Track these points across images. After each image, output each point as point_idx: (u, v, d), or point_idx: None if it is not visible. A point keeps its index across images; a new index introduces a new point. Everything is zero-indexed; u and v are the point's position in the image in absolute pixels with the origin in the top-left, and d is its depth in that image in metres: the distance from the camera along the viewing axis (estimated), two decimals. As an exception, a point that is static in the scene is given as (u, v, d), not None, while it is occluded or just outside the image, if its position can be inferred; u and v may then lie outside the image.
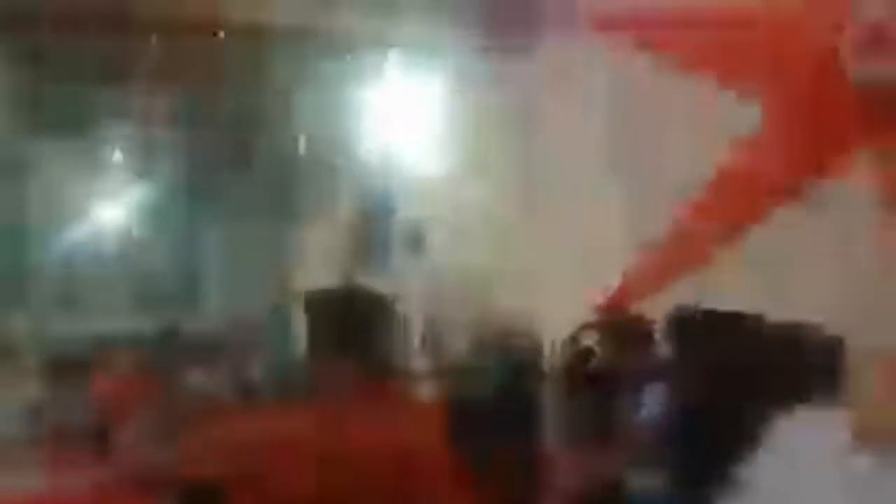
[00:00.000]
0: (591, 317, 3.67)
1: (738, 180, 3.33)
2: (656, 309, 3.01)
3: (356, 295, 1.84)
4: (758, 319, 1.42)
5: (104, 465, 2.51)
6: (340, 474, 1.53)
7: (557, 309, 4.24)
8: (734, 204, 3.36)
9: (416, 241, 5.52)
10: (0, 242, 9.75)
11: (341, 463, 1.54)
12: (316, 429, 1.58)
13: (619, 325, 3.11)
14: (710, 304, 1.53)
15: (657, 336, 2.86)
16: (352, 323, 1.72)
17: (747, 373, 1.34)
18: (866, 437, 1.25)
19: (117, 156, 9.46)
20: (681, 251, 3.53)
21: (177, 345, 4.88)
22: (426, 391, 3.65)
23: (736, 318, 1.42)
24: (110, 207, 10.00)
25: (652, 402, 2.58)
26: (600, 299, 3.76)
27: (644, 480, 2.59)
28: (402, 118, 6.28)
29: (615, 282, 3.85)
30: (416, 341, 4.45)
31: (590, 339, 3.58)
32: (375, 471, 1.57)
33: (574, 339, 3.78)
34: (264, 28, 6.10)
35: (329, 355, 1.72)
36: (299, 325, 2.00)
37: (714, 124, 3.46)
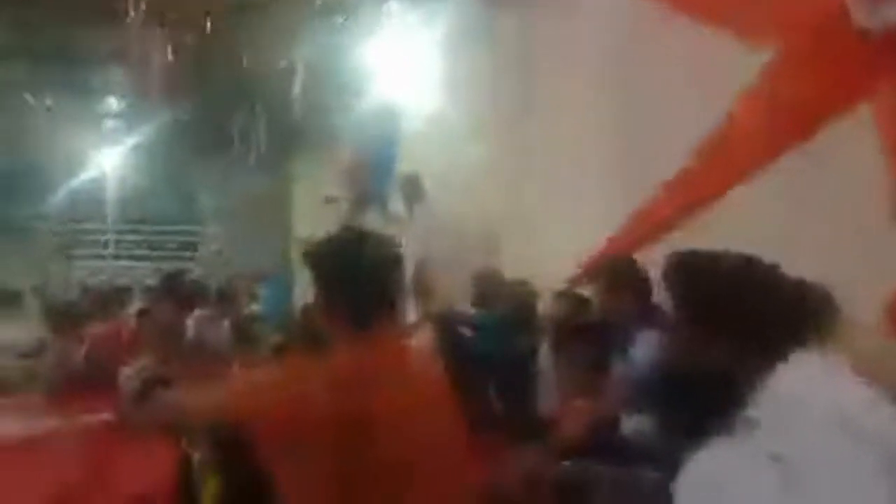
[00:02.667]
0: (587, 265, 3.68)
1: (742, 130, 3.28)
2: (652, 257, 3.02)
3: (368, 239, 1.78)
4: (752, 262, 1.40)
5: (107, 409, 2.55)
6: (355, 433, 1.53)
7: (556, 261, 4.24)
8: (737, 154, 3.32)
9: (413, 191, 5.49)
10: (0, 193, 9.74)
11: (356, 423, 1.53)
12: (331, 387, 1.56)
13: (614, 270, 3.11)
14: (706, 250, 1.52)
15: (653, 281, 2.87)
16: (365, 267, 1.69)
17: (746, 318, 1.34)
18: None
19: (115, 103, 9.37)
20: (680, 200, 3.51)
21: (179, 292, 4.89)
22: (420, 339, 3.67)
23: (736, 262, 1.40)
24: (109, 156, 9.96)
25: (647, 348, 2.61)
26: (598, 247, 3.75)
27: (639, 426, 2.63)
28: (402, 67, 6.20)
29: (613, 232, 3.84)
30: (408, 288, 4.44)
31: (585, 289, 3.59)
32: (390, 430, 1.56)
33: (569, 288, 3.79)
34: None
35: (340, 302, 1.70)
36: (303, 274, 1.98)
37: (719, 76, 3.40)
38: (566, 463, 2.50)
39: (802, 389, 1.23)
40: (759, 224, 3.08)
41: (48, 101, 8.90)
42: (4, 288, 7.02)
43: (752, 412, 1.22)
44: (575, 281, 3.88)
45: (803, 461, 1.14)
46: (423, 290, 4.65)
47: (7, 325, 5.91)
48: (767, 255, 1.45)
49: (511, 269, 4.61)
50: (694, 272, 1.42)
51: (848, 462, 1.14)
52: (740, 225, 3.04)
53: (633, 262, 3.14)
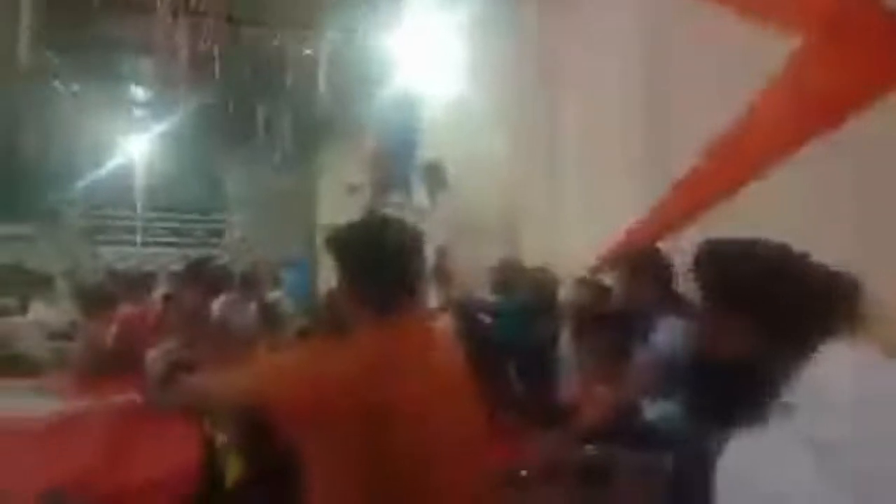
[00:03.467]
0: (608, 253, 3.65)
1: (767, 118, 3.21)
2: (676, 245, 2.99)
3: (390, 225, 1.79)
4: (783, 250, 1.38)
5: (133, 390, 2.59)
6: (378, 418, 1.53)
7: (577, 248, 4.22)
8: (761, 143, 3.25)
9: (436, 179, 5.49)
10: (30, 177, 9.92)
11: (379, 407, 1.53)
12: (354, 372, 1.56)
13: (637, 258, 3.07)
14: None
15: (675, 269, 2.84)
16: (388, 252, 1.69)
17: (776, 306, 1.32)
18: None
19: (141, 91, 9.48)
20: (704, 189, 3.45)
21: (205, 278, 4.95)
22: (442, 325, 3.67)
23: (766, 250, 1.39)
24: (136, 144, 10.09)
25: (668, 335, 2.59)
26: (620, 235, 3.72)
27: (663, 412, 2.61)
28: (424, 54, 6.19)
29: (636, 221, 3.81)
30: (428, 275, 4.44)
31: (606, 277, 3.57)
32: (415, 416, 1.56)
33: (590, 275, 3.77)
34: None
35: (363, 287, 1.70)
36: (326, 259, 1.99)
37: (747, 63, 3.32)
38: (589, 448, 2.49)
39: (836, 376, 1.21)
40: (787, 213, 3.03)
41: (75, 88, 9.02)
42: (37, 272, 7.18)
43: (787, 398, 1.21)
44: (597, 268, 3.86)
45: (840, 446, 1.13)
46: (443, 278, 4.66)
47: (39, 307, 6.05)
48: (796, 244, 1.43)
49: (532, 257, 4.59)
50: (724, 260, 1.40)
51: (885, 447, 1.13)
52: (768, 213, 2.99)
53: (656, 249, 3.11)
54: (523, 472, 2.44)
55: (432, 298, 4.52)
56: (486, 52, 5.72)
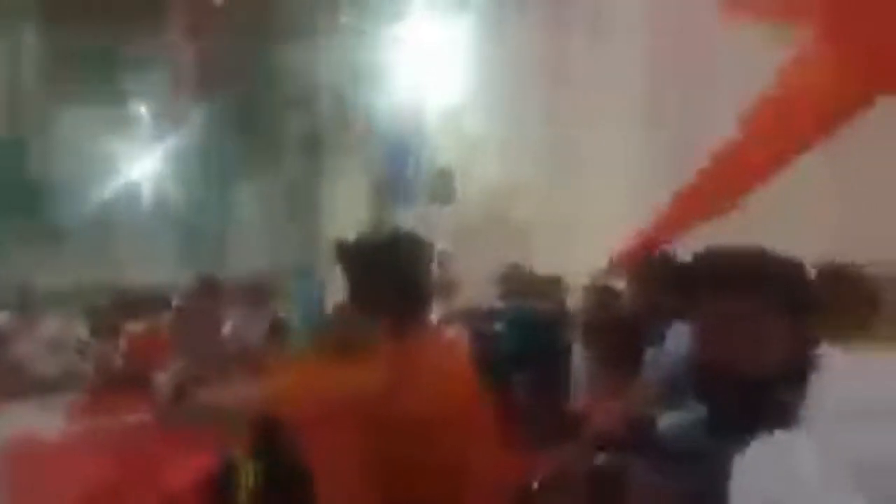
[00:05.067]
0: (618, 258, 3.63)
1: (786, 105, 3.12)
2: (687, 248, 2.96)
3: (402, 239, 1.81)
4: (763, 254, 1.36)
5: (144, 408, 2.59)
6: (390, 431, 1.54)
7: (588, 255, 4.20)
8: (781, 132, 3.17)
9: (444, 188, 5.50)
10: (36, 197, 9.98)
11: (391, 421, 1.54)
12: (366, 387, 1.57)
13: (646, 265, 3.05)
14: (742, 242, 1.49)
15: (686, 275, 2.81)
16: (400, 267, 1.71)
17: (773, 313, 1.30)
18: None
19: (147, 110, 9.54)
20: (717, 188, 3.40)
21: (214, 291, 4.95)
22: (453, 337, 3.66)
23: (754, 257, 1.36)
24: (142, 162, 10.14)
25: (680, 342, 2.56)
26: (629, 240, 3.70)
27: (675, 421, 2.58)
28: (430, 61, 6.20)
29: (645, 225, 3.79)
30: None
31: (615, 282, 3.55)
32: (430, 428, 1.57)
33: (599, 281, 3.75)
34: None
35: (373, 301, 1.71)
36: (332, 274, 2.00)
37: (752, 69, 3.28)
38: (601, 458, 2.47)
39: (842, 381, 1.20)
40: (803, 213, 3.00)
41: (83, 107, 9.08)
42: (45, 289, 7.21)
43: (797, 407, 1.20)
44: (607, 275, 3.84)
45: (849, 454, 1.12)
46: (446, 288, 4.65)
47: (48, 324, 6.07)
48: (816, 246, 1.41)
49: (541, 265, 4.58)
50: (705, 269, 1.38)
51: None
52: (784, 215, 2.96)
53: (668, 255, 3.09)
54: (534, 485, 2.42)
55: (436, 310, 4.50)
56: (491, 59, 5.73)
